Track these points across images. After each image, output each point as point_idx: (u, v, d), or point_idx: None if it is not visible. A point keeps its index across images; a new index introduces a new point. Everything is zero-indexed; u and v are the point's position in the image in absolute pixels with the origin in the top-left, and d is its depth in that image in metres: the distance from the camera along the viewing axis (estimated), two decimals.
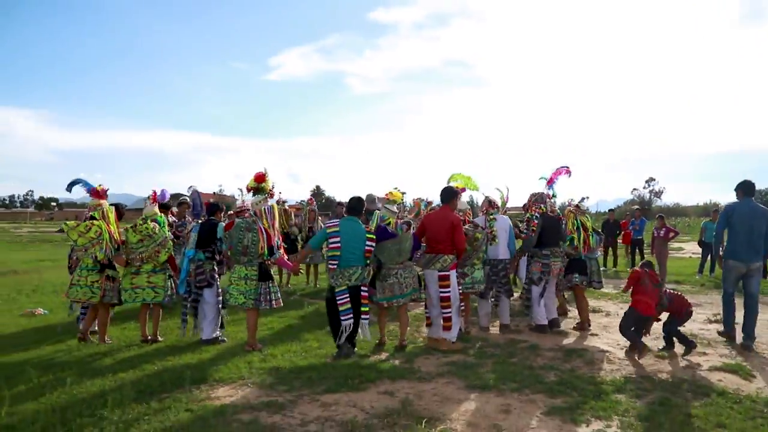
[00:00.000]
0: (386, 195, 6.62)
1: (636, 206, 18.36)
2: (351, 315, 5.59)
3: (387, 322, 6.34)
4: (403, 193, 7.10)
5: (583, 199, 7.31)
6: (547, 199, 6.99)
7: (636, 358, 5.47)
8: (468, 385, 4.65)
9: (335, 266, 5.64)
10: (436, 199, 7.93)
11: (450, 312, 5.81)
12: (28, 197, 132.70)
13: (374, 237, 5.81)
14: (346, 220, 5.84)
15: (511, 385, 4.63)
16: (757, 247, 6.11)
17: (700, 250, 13.80)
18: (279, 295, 6.06)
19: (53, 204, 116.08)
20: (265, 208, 5.99)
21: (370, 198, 9.49)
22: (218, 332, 6.23)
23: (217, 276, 6.32)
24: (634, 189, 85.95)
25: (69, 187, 6.40)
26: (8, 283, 11.52)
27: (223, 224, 6.35)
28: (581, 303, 7.03)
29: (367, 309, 5.74)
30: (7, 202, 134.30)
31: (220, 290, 6.28)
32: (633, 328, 5.73)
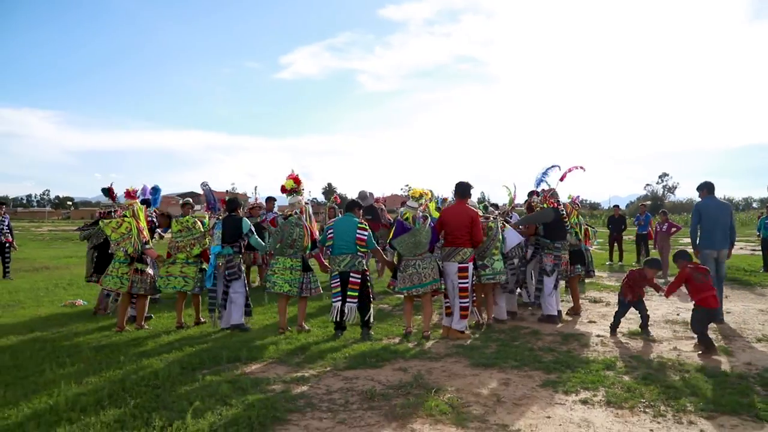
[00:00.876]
0: (380, 198, 7.25)
1: (641, 203, 18.69)
2: (339, 297, 6.19)
3: (412, 312, 6.66)
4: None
5: (578, 196, 7.91)
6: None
7: (710, 356, 5.41)
8: (473, 363, 5.21)
9: (329, 254, 6.41)
10: (442, 193, 8.49)
11: (467, 302, 6.27)
12: (45, 196, 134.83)
13: (366, 227, 6.39)
14: (342, 216, 6.60)
15: (512, 363, 5.19)
16: (724, 236, 7.14)
17: None
18: (318, 284, 6.67)
19: (69, 203, 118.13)
20: (305, 206, 6.59)
21: (362, 194, 10.18)
22: (244, 319, 6.82)
23: (243, 268, 6.94)
24: (647, 185, 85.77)
25: (152, 192, 7.71)
26: (43, 278, 12.27)
27: (248, 220, 6.98)
28: (576, 292, 7.63)
29: (354, 294, 6.23)
30: (24, 201, 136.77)
31: (246, 281, 6.90)
32: (705, 326, 5.69)
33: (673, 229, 12.66)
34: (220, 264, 6.70)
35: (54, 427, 3.72)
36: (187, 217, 7.00)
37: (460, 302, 6.27)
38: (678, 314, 7.52)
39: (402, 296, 6.65)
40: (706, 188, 7.35)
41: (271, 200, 10.44)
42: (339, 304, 6.20)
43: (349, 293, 6.22)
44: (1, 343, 6.20)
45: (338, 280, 6.26)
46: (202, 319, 7.07)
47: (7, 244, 12.11)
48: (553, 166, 7.63)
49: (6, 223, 12.23)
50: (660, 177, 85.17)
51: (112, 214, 8.11)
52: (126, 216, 6.75)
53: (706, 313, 5.76)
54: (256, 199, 10.86)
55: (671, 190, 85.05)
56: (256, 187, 11.06)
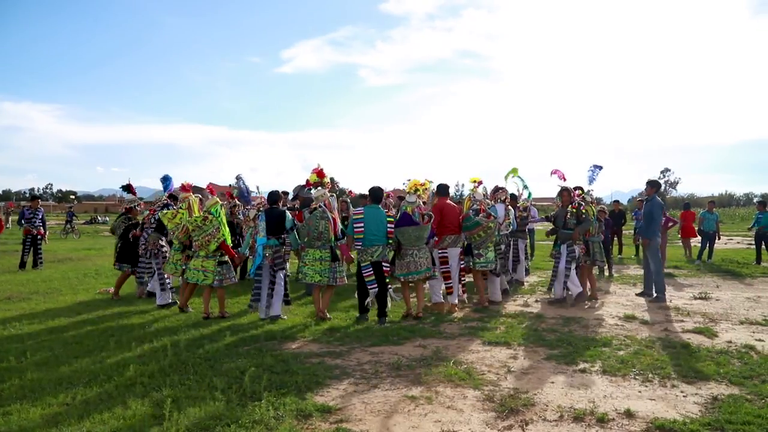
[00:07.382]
0: (391, 193, 8.00)
1: (641, 198, 19.35)
2: (375, 285, 6.78)
3: (410, 296, 7.28)
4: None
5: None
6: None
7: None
8: (484, 341, 5.86)
9: (360, 246, 6.84)
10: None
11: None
12: (48, 190, 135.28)
13: (393, 220, 7.02)
14: (369, 207, 7.01)
15: (519, 341, 5.84)
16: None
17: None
18: (344, 273, 7.17)
19: (72, 197, 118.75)
20: (329, 198, 7.13)
21: (296, 189, 10.71)
22: (282, 309, 7.20)
23: (287, 259, 7.26)
24: (649, 180, 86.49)
25: (162, 180, 8.05)
26: (70, 268, 12.90)
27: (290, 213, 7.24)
28: (588, 278, 8.47)
29: (389, 280, 6.98)
30: (27, 195, 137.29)
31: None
32: None
33: (670, 224, 13.26)
34: (267, 255, 6.98)
35: (131, 388, 4.37)
36: (196, 215, 7.15)
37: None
38: (670, 301, 8.17)
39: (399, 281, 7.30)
40: (656, 187, 9.10)
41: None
42: (376, 290, 6.76)
43: (386, 280, 6.88)
44: (55, 324, 6.84)
45: (371, 269, 6.79)
46: (226, 314, 7.21)
47: (39, 237, 12.72)
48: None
49: (40, 216, 12.88)
50: (662, 172, 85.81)
51: (136, 208, 8.77)
52: (182, 208, 7.33)
53: None
54: (261, 196, 11.33)
55: (673, 185, 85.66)
56: (258, 186, 11.42)
